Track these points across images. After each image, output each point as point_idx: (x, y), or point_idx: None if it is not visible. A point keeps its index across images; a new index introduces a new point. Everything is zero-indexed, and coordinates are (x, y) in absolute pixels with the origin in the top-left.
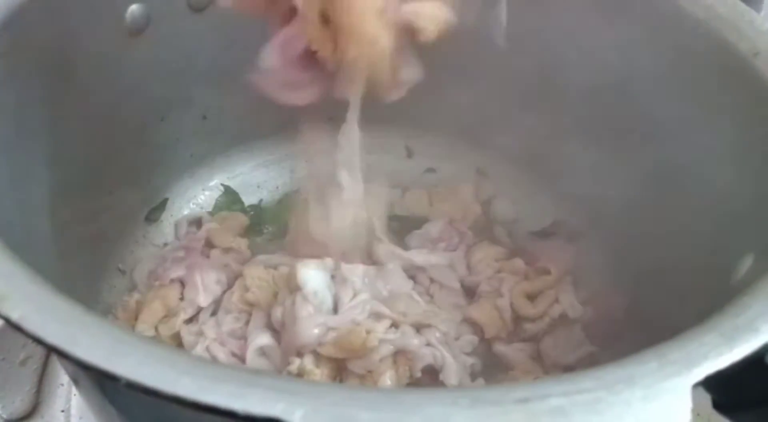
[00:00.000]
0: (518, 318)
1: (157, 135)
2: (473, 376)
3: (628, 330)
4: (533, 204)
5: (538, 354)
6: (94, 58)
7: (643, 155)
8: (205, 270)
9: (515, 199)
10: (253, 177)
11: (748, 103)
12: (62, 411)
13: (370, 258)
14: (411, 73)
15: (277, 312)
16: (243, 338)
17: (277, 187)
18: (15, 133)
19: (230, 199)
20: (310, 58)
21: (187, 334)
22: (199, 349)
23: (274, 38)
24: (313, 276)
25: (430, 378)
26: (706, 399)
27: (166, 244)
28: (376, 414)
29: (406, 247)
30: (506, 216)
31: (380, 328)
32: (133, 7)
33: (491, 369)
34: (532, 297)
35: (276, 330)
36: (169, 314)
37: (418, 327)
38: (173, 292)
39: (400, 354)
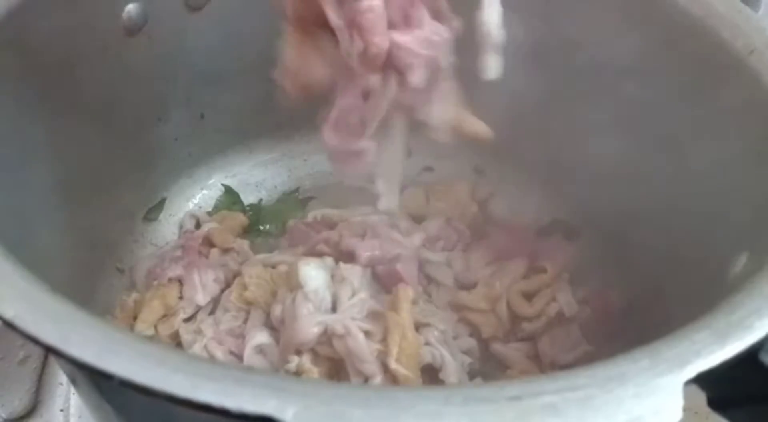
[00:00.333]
0: (515, 318)
1: (154, 134)
2: (471, 375)
3: (625, 330)
4: (531, 203)
5: (536, 354)
6: (91, 58)
7: (641, 154)
8: (203, 268)
9: (513, 197)
10: (252, 176)
11: (743, 101)
12: (61, 410)
13: None
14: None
15: (277, 310)
16: (241, 336)
17: (276, 186)
18: (12, 133)
19: (230, 198)
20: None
21: (186, 333)
22: (197, 348)
23: (329, 116)
24: (314, 274)
25: (429, 377)
26: (703, 396)
27: (167, 243)
28: (368, 411)
29: None
30: (503, 215)
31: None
32: (130, 6)
33: (489, 369)
34: (529, 296)
35: (274, 329)
36: (169, 313)
37: (417, 326)
38: (172, 291)
39: None
